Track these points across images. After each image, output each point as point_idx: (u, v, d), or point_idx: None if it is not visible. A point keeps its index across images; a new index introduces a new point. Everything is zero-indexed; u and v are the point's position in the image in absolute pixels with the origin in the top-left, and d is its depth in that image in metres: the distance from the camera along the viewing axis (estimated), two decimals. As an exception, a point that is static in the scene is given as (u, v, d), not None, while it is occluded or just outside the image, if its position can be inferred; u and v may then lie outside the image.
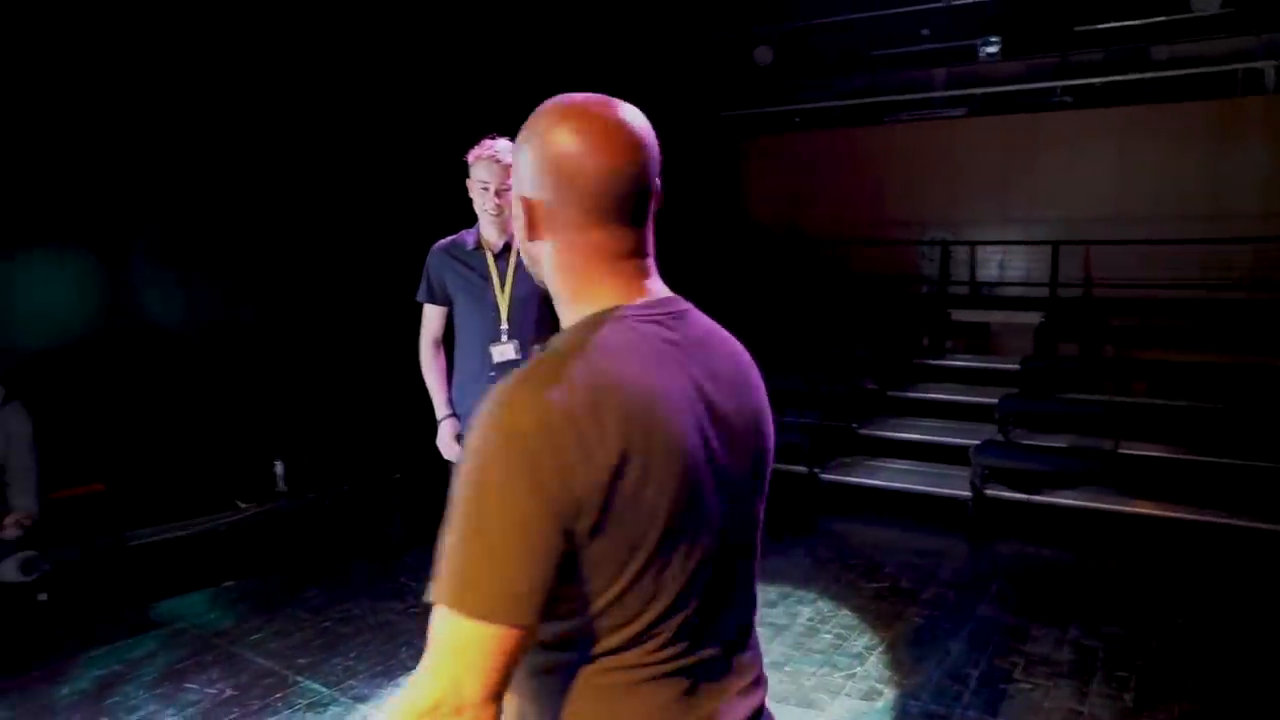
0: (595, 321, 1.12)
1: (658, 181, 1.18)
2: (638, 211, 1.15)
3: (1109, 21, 8.83)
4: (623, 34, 8.23)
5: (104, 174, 4.94)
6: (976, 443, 6.58)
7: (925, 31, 9.59)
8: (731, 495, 1.14)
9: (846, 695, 3.96)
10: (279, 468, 5.42)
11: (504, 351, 3.52)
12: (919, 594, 5.10)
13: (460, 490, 1.00)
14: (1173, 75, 8.56)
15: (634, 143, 1.13)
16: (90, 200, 4.94)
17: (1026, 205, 9.12)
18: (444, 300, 3.66)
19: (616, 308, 1.13)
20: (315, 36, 5.99)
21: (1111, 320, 8.09)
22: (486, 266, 3.54)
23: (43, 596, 4.27)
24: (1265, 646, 4.40)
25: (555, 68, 7.25)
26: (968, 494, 6.39)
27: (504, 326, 3.52)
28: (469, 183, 3.49)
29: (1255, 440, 6.25)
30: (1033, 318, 8.27)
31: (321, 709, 3.86)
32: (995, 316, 8.86)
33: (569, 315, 1.18)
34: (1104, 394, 7.74)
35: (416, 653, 4.38)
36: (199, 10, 5.43)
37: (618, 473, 0.99)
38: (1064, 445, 6.74)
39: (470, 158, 3.47)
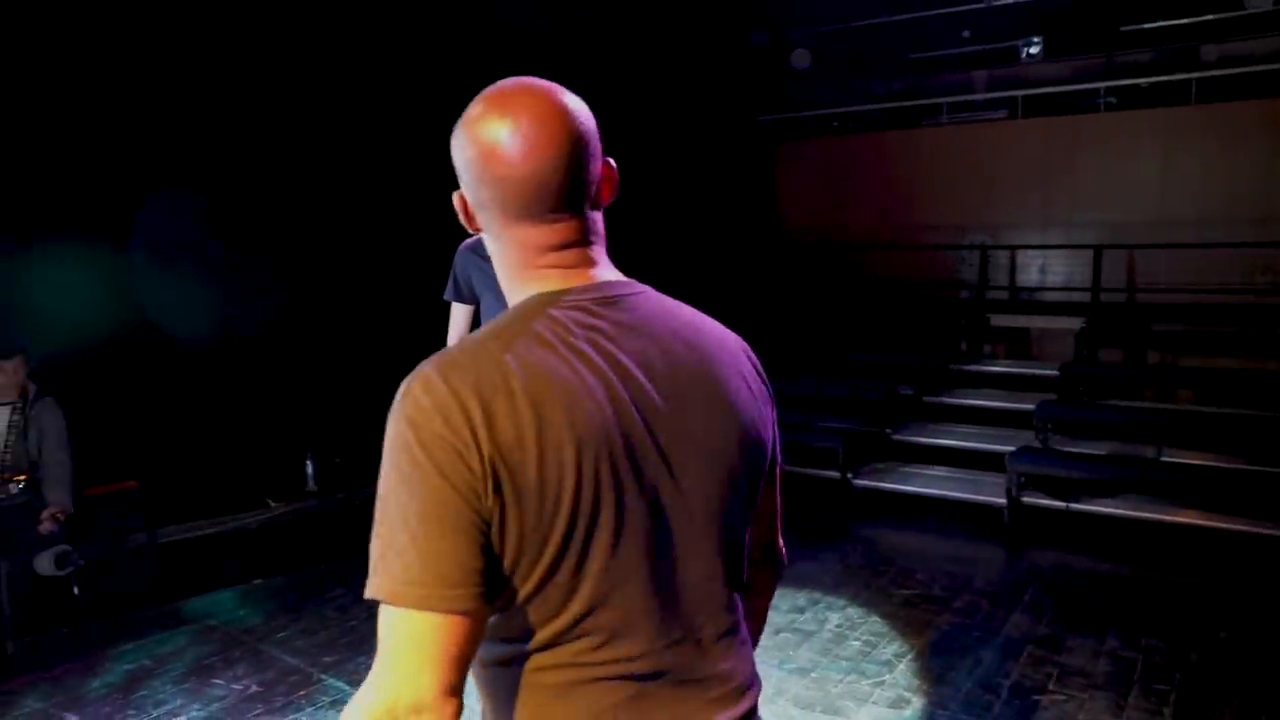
0: (514, 311, 1.10)
1: (600, 166, 1.14)
2: (573, 201, 1.11)
3: (1156, 21, 8.62)
4: (659, 39, 8.21)
5: (137, 174, 5.01)
6: (1011, 449, 6.46)
7: (966, 33, 9.45)
8: (678, 486, 1.08)
9: (874, 703, 3.89)
10: (309, 467, 5.45)
11: (528, 350, 3.50)
12: (951, 602, 5.00)
13: (380, 483, 1.00)
14: (1223, 75, 8.35)
15: (560, 135, 1.08)
16: (125, 201, 5.00)
17: (1068, 208, 8.95)
18: (470, 299, 3.65)
19: (542, 295, 1.11)
20: (347, 44, 6.04)
21: (1156, 326, 7.90)
22: (511, 265, 3.53)
23: (75, 590, 4.33)
24: (1312, 662, 4.26)
25: (588, 71, 7.24)
26: (1003, 501, 6.27)
27: (528, 325, 3.50)
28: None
29: (1305, 449, 6.07)
30: (1073, 323, 8.11)
31: (344, 706, 3.86)
32: (1035, 322, 8.70)
33: (511, 304, 1.16)
34: (1146, 401, 7.58)
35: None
36: (236, 19, 5.50)
37: (505, 460, 0.97)
38: (1104, 452, 6.59)
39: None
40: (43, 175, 4.82)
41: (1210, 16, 8.47)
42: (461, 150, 1.12)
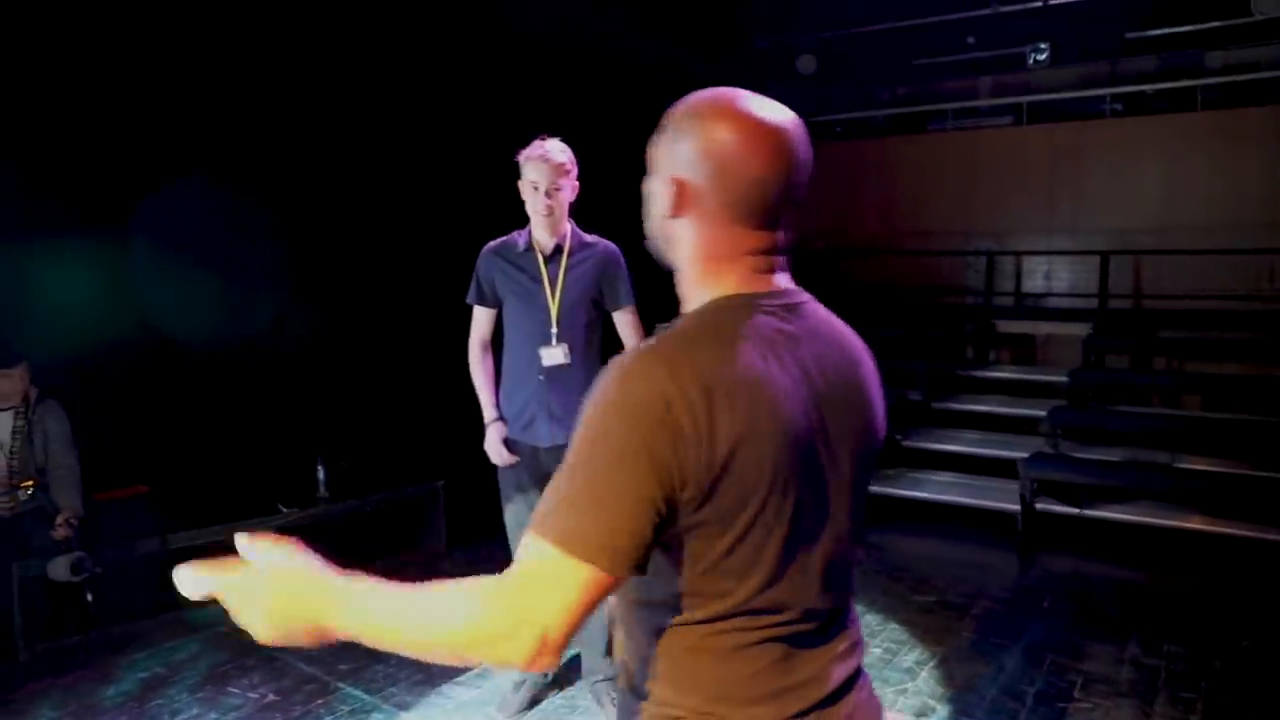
0: (715, 308, 1.20)
1: (804, 193, 1.24)
2: (780, 215, 1.23)
3: (1161, 28, 8.63)
4: (662, 43, 8.18)
5: (146, 176, 4.95)
6: (1024, 455, 6.43)
7: (970, 39, 9.45)
8: (836, 477, 1.21)
9: (898, 710, 3.85)
10: (320, 473, 5.40)
11: (554, 355, 3.46)
12: (969, 608, 4.97)
13: (579, 444, 1.09)
14: (1228, 81, 8.37)
15: (792, 152, 1.20)
16: (133, 203, 4.94)
17: (1073, 215, 8.96)
18: (494, 302, 3.61)
19: (737, 296, 1.20)
20: (365, 41, 6.00)
21: (1163, 332, 7.90)
22: (537, 268, 3.49)
23: (89, 597, 4.27)
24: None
25: (595, 73, 7.24)
26: (1016, 507, 6.24)
27: (554, 330, 3.46)
28: (520, 184, 3.45)
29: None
30: (1079, 329, 8.10)
31: (364, 715, 3.82)
32: (1041, 328, 8.70)
33: (693, 297, 1.25)
34: (1155, 407, 7.57)
35: (459, 660, 4.32)
36: (257, 21, 5.46)
37: (725, 454, 1.06)
38: (1116, 459, 6.56)
39: (521, 158, 3.42)
40: (50, 175, 4.76)
41: (1216, 23, 8.48)
42: (697, 142, 1.19)
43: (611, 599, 1.16)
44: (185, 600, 1.19)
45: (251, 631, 1.17)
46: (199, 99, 5.31)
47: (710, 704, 1.17)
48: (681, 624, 1.17)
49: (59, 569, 4.18)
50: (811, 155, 1.24)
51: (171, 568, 1.20)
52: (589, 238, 3.56)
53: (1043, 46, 8.70)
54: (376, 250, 6.19)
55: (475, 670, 4.12)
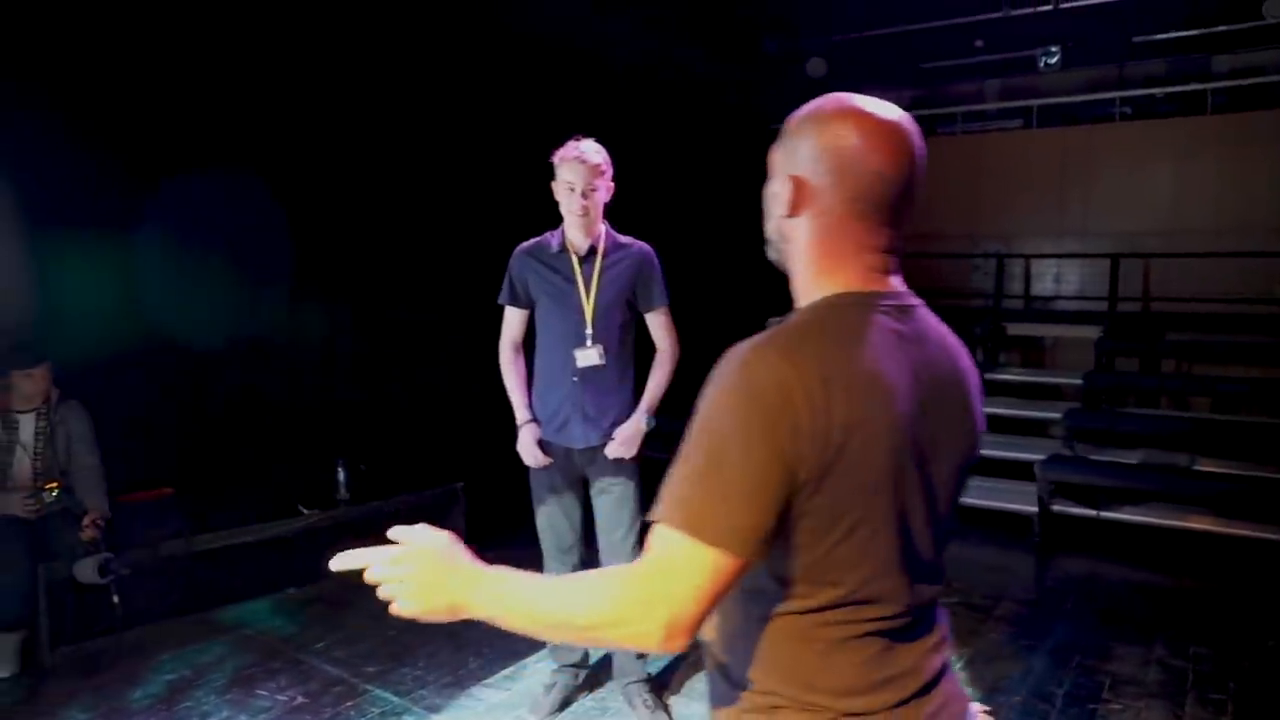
0: (832, 304, 1.22)
1: (919, 192, 1.25)
2: (897, 214, 1.23)
3: (1170, 32, 8.65)
4: (670, 46, 8.18)
5: (170, 176, 4.93)
6: (1040, 458, 6.44)
7: (979, 43, 9.46)
8: (938, 476, 1.23)
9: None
10: (341, 475, 5.38)
11: (588, 356, 3.45)
12: (992, 610, 4.98)
13: (698, 432, 1.12)
14: (1237, 85, 8.41)
15: (910, 152, 1.21)
16: (154, 204, 4.92)
17: (1082, 218, 8.99)
18: (526, 303, 3.60)
19: (851, 294, 1.22)
20: (390, 39, 5.99)
21: (1173, 335, 7.92)
22: (571, 269, 3.48)
23: (115, 599, 4.25)
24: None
25: (604, 75, 7.24)
26: (1033, 509, 6.25)
27: (589, 331, 3.45)
28: (554, 184, 3.44)
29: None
30: (1088, 332, 8.12)
31: (394, 718, 3.80)
32: (1051, 330, 8.71)
33: (807, 293, 1.28)
34: (1170, 409, 7.59)
35: (486, 662, 4.27)
36: (287, 17, 5.45)
37: (840, 443, 1.09)
38: (1134, 461, 6.57)
39: (556, 159, 3.42)
40: (70, 174, 4.73)
41: (1224, 27, 8.50)
42: (818, 141, 1.22)
43: None
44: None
45: (396, 604, 1.24)
46: (224, 102, 5.29)
47: (812, 693, 1.19)
48: (787, 613, 1.19)
49: (86, 570, 4.16)
50: (925, 162, 1.25)
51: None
52: (624, 239, 3.55)
53: (1053, 50, 8.71)
54: (398, 252, 6.17)
55: (505, 673, 4.12)
